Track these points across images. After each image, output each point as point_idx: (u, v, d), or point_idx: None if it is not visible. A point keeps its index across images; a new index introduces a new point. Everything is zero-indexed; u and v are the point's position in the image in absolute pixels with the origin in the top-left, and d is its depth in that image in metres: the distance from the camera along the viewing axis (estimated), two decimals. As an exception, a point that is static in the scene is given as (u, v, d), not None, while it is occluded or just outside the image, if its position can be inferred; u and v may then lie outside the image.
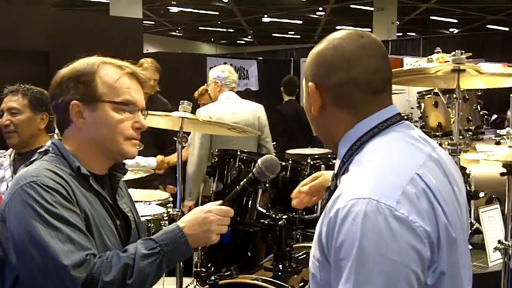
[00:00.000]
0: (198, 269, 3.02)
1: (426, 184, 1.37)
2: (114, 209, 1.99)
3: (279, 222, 2.51)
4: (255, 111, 4.82)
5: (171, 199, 4.49)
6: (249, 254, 3.15)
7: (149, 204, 4.34)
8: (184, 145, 2.89)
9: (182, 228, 1.87)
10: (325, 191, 1.66)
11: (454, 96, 2.67)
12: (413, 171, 1.38)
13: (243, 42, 32.65)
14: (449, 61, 4.62)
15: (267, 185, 2.65)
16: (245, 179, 1.96)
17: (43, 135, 3.06)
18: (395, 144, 1.47)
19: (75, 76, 1.91)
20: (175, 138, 2.84)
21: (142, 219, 3.79)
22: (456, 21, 24.36)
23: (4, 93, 3.04)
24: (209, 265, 3.04)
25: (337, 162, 1.56)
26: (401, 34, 24.90)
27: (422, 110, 4.72)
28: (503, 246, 2.96)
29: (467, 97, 4.35)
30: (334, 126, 1.54)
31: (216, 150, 2.91)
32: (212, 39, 32.21)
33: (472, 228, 4.28)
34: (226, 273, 2.39)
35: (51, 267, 1.68)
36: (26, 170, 1.87)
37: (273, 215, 2.56)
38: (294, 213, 2.56)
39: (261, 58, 13.16)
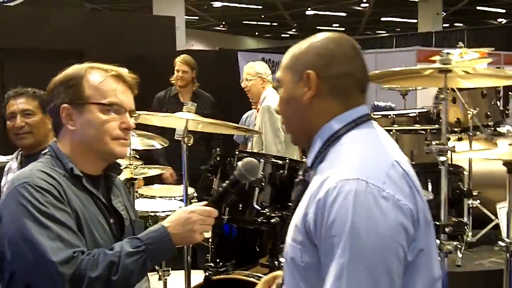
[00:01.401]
0: (208, 264, 3.12)
1: (404, 170, 1.50)
2: (107, 208, 2.09)
3: (272, 220, 2.59)
4: None
5: (195, 194, 4.59)
6: (257, 250, 3.24)
7: (170, 199, 4.46)
8: (189, 144, 2.98)
9: (166, 228, 1.96)
10: (296, 184, 1.75)
11: (442, 96, 2.67)
12: (392, 158, 1.51)
13: (288, 35, 32.58)
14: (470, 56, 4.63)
15: (263, 183, 2.73)
16: (227, 181, 2.04)
17: (51, 135, 3.17)
18: (371, 136, 1.59)
19: (65, 81, 2.04)
20: (178, 137, 2.94)
21: (161, 214, 3.94)
22: (503, 11, 23.74)
23: (8, 96, 3.12)
24: (217, 260, 3.14)
25: (310, 154, 1.64)
26: (448, 25, 24.47)
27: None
28: (504, 244, 2.97)
29: (485, 92, 4.33)
30: (320, 116, 1.62)
31: (218, 149, 3.00)
32: (257, 33, 32.24)
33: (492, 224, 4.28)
34: (221, 269, 2.48)
35: (41, 264, 1.79)
36: (21, 171, 2.01)
37: (268, 213, 2.65)
38: (288, 211, 2.63)
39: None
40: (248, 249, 3.18)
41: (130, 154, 4.00)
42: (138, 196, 4.49)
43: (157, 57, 7.31)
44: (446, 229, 2.51)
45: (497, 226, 4.19)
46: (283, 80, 1.70)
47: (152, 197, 4.57)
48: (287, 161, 2.83)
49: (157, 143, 4.42)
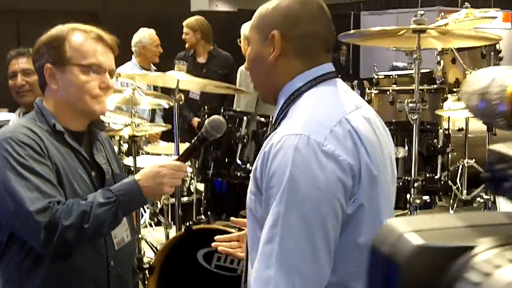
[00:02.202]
0: (200, 217, 3.28)
1: (352, 127, 1.55)
2: (89, 162, 2.23)
3: (250, 174, 2.71)
4: None
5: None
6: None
7: (159, 156, 4.59)
8: (180, 102, 3.10)
9: (137, 181, 2.09)
10: (264, 140, 1.84)
11: (415, 56, 2.71)
12: (342, 115, 1.56)
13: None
14: (476, 17, 4.62)
15: (245, 140, 2.85)
16: (195, 138, 2.16)
17: None
18: (329, 93, 1.65)
19: (48, 42, 2.17)
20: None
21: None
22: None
23: (10, 56, 3.22)
24: (208, 213, 3.30)
25: (276, 111, 1.71)
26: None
27: (442, 67, 4.73)
28: (482, 200, 3.05)
29: (485, 53, 4.33)
30: (285, 75, 1.68)
31: (206, 107, 3.11)
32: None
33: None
34: (202, 220, 2.62)
35: (20, 213, 1.95)
36: (6, 127, 2.17)
37: (248, 168, 2.78)
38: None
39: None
40: (237, 203, 3.32)
41: (133, 112, 4.13)
42: (143, 152, 4.65)
43: (172, 19, 7.40)
44: (415, 184, 2.61)
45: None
46: (251, 39, 1.76)
47: (157, 154, 4.72)
48: (271, 119, 2.94)
49: (165, 103, 4.55)
